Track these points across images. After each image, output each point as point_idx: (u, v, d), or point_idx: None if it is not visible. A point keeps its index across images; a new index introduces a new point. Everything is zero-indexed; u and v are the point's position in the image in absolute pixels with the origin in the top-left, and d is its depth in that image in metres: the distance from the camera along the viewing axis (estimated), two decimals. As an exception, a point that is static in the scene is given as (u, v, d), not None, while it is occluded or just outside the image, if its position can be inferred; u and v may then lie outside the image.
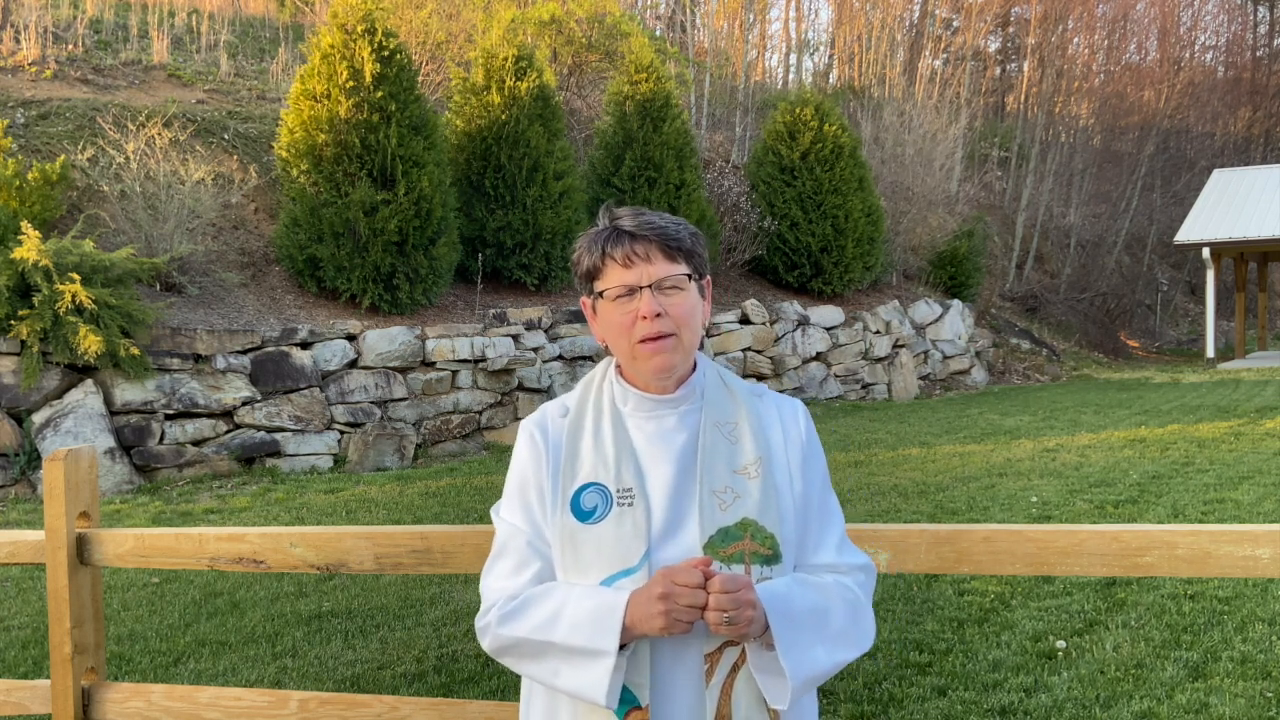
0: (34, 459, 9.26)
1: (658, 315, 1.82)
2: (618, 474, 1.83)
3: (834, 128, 16.98)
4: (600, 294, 1.88)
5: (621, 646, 1.72)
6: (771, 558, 1.80)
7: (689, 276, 1.87)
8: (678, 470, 1.84)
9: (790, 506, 1.86)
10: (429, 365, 11.83)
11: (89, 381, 9.61)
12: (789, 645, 1.73)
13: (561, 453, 1.89)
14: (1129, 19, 33.87)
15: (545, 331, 13.00)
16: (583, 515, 1.83)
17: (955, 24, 32.57)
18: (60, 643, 2.95)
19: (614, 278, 1.85)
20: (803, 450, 1.92)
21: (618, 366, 1.95)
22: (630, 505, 1.81)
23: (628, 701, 1.76)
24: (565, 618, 1.76)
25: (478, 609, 1.92)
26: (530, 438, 1.93)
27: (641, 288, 1.83)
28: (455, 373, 12.01)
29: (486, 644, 1.86)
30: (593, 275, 1.89)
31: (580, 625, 1.74)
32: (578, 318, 13.29)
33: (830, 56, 33.10)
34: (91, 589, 3.01)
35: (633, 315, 1.84)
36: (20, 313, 9.23)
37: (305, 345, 11.02)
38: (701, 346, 1.99)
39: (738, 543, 1.79)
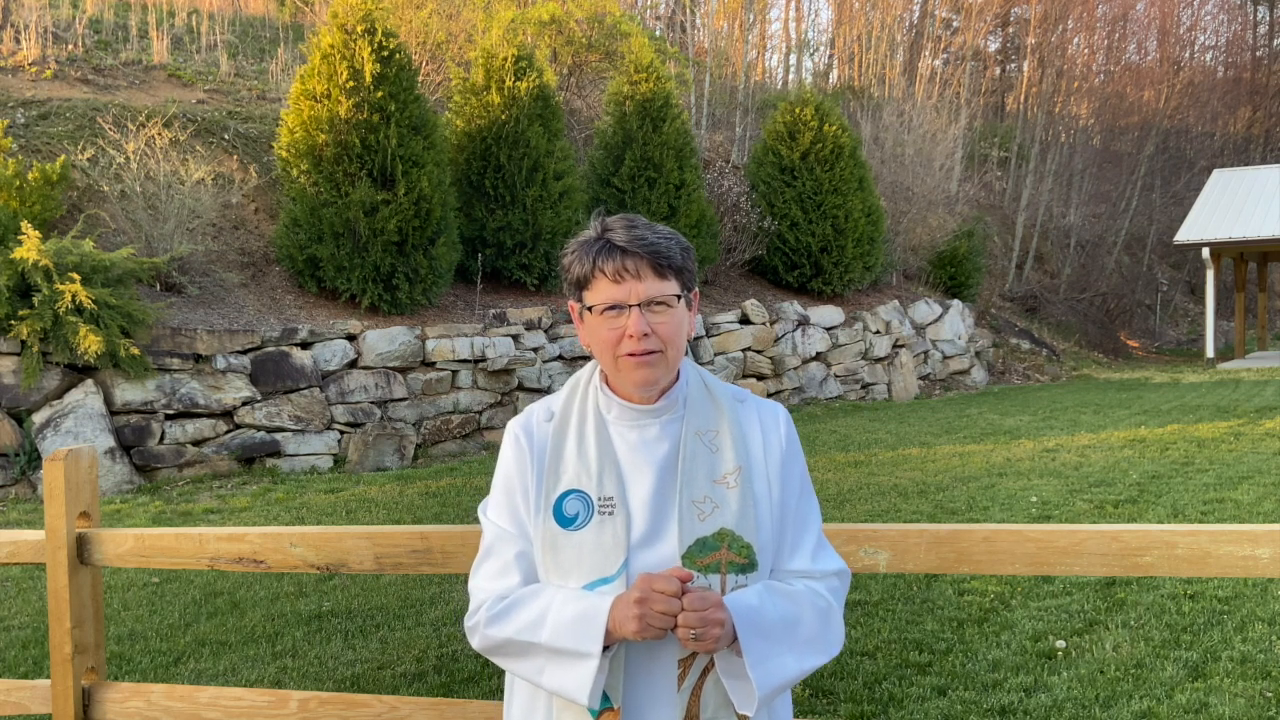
0: (34, 459, 9.26)
1: (645, 334, 1.83)
2: (600, 482, 1.86)
3: (834, 128, 16.97)
4: (589, 306, 1.88)
5: (605, 649, 1.76)
6: (747, 566, 1.84)
7: (677, 296, 1.87)
8: (658, 480, 1.87)
9: (768, 514, 1.89)
10: (429, 365, 11.83)
11: (89, 381, 9.61)
12: (757, 657, 1.77)
13: (546, 456, 1.91)
14: (1129, 19, 33.89)
15: (545, 331, 12.99)
16: (565, 521, 1.85)
17: (955, 24, 32.56)
18: (60, 643, 2.95)
19: (603, 292, 1.85)
20: (782, 456, 1.94)
21: (603, 373, 1.96)
22: (611, 514, 1.84)
23: (602, 703, 1.80)
24: (550, 620, 1.80)
25: (476, 608, 1.96)
26: (516, 440, 1.95)
27: (630, 306, 1.84)
28: (455, 373, 12.01)
29: (475, 643, 1.90)
30: (582, 285, 1.89)
31: (565, 628, 1.77)
32: (578, 318, 13.28)
33: (830, 56, 33.10)
34: (91, 589, 3.01)
35: (620, 331, 1.85)
36: (20, 313, 9.23)
37: (305, 345, 11.02)
38: (688, 353, 2.02)
39: (715, 553, 1.82)
